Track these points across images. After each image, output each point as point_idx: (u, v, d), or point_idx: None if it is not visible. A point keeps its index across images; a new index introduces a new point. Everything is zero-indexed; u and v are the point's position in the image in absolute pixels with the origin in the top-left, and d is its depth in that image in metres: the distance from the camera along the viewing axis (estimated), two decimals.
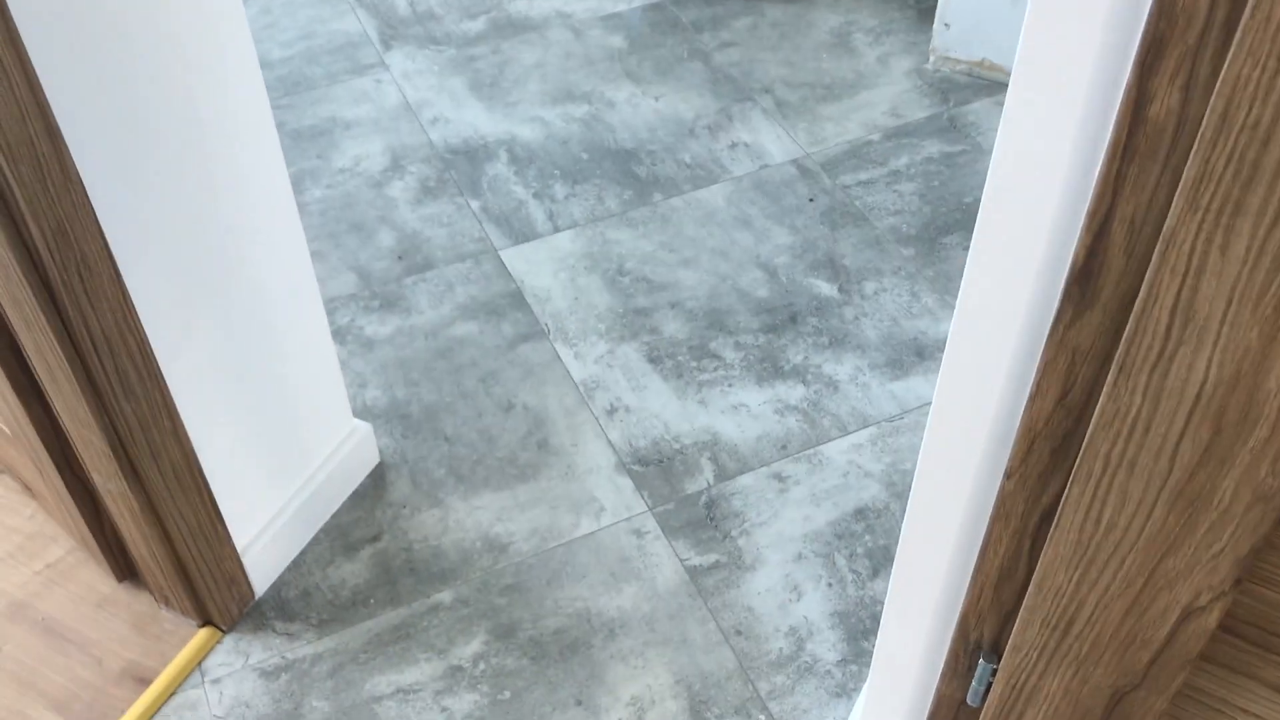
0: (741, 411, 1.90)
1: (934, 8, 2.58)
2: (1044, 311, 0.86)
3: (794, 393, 1.92)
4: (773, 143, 2.43)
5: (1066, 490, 0.92)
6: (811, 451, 1.83)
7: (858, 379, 1.94)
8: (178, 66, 1.21)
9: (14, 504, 1.80)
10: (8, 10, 0.97)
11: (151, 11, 1.15)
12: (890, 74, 2.60)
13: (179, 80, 1.22)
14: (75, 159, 1.09)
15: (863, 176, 2.34)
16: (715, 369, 1.97)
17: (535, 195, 2.32)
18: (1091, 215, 0.78)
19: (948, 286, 2.08)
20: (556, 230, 2.24)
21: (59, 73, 1.07)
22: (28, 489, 1.78)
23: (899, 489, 1.76)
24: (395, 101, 2.58)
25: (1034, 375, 0.90)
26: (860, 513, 1.74)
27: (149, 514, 1.42)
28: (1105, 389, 0.84)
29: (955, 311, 0.92)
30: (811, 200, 2.30)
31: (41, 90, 1.03)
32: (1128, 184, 0.76)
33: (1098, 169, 0.76)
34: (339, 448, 1.74)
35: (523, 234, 2.23)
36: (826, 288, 2.11)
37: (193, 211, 1.30)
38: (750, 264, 2.16)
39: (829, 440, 1.85)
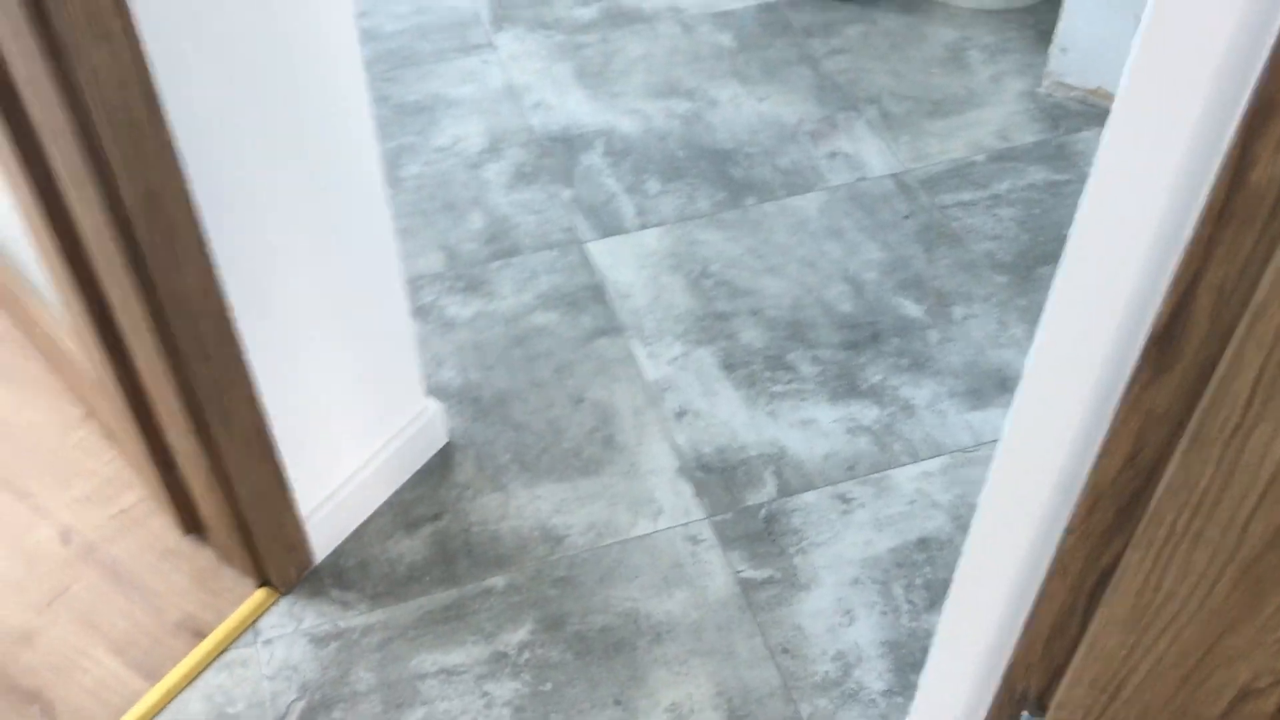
0: (811, 427, 1.87)
1: (1052, 30, 2.51)
2: (1120, 367, 0.83)
3: (868, 413, 1.89)
4: (873, 155, 2.39)
5: (1128, 553, 0.89)
6: (879, 475, 1.80)
7: (935, 405, 1.90)
8: (277, 41, 1.23)
9: (96, 447, 1.86)
10: None
11: None
12: (1001, 95, 2.54)
13: (277, 54, 1.23)
14: (171, 125, 1.12)
15: (962, 197, 2.29)
16: (789, 381, 1.94)
17: (628, 189, 2.32)
18: (1178, 277, 0.75)
19: (1039, 318, 2.03)
20: (645, 226, 2.24)
21: (162, 40, 1.09)
22: (110, 435, 1.84)
23: (965, 522, 1.72)
24: (499, 83, 2.60)
25: (1105, 432, 0.87)
26: (923, 543, 1.71)
27: (217, 474, 1.45)
28: (1176, 456, 0.81)
29: (1030, 354, 0.90)
30: (907, 217, 2.25)
31: (144, 58, 1.05)
32: (1220, 249, 0.73)
33: (1189, 230, 0.73)
34: (409, 425, 1.76)
35: (611, 227, 2.23)
36: (913, 308, 2.07)
37: (282, 184, 1.33)
38: (837, 277, 2.13)
39: (899, 465, 1.82)
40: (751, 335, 2.02)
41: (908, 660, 1.58)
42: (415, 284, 2.13)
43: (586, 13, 2.80)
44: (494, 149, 2.42)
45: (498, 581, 1.67)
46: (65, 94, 1.04)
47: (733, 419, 1.89)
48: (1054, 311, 0.86)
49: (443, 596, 1.66)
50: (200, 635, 1.61)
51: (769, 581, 1.67)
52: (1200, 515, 0.82)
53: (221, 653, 1.60)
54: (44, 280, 1.56)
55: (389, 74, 2.64)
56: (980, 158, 2.38)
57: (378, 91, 2.59)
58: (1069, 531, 0.95)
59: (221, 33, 1.16)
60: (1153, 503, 0.85)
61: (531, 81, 2.60)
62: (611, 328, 2.04)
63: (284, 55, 1.24)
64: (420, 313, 2.07)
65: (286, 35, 1.24)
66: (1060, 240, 2.19)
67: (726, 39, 2.72)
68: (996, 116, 2.48)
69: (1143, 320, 0.80)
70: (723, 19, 2.79)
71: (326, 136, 1.36)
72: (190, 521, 1.69)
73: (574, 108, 2.52)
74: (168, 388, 1.35)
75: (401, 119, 2.52)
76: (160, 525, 1.74)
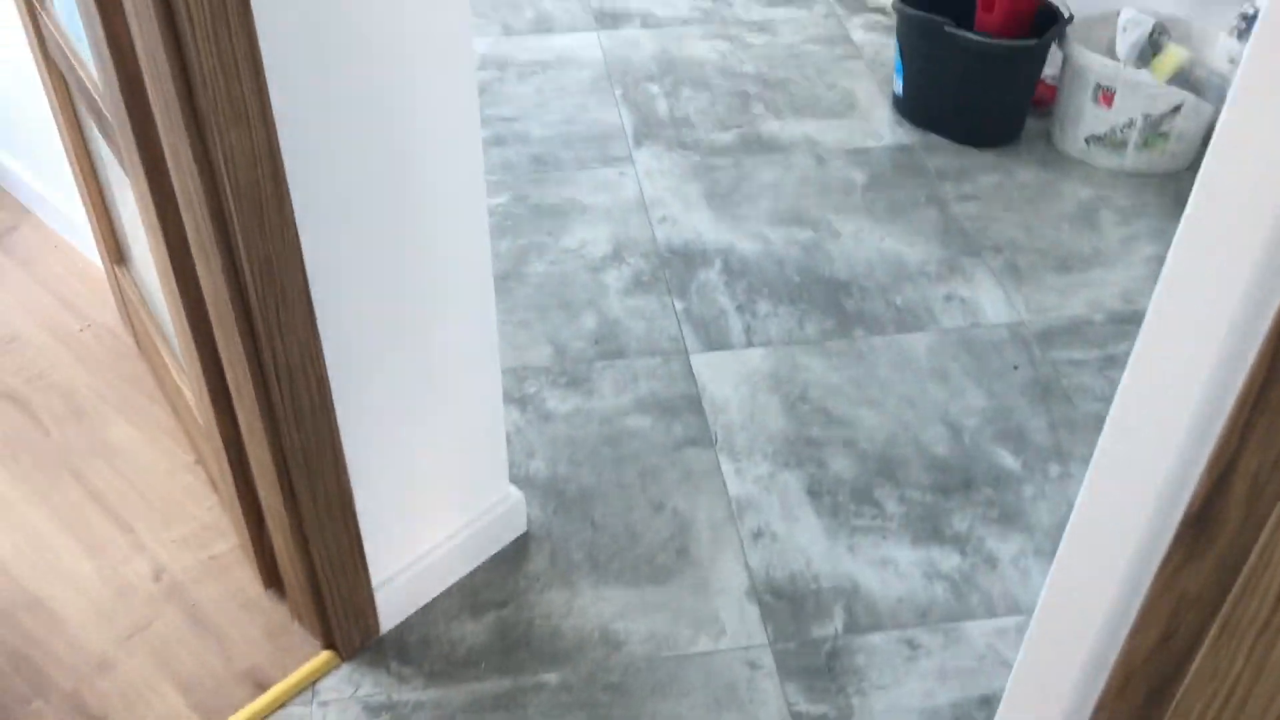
0: (889, 567, 1.85)
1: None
2: (1155, 547, 0.82)
3: (948, 560, 1.86)
4: (990, 303, 2.38)
5: None
6: (951, 625, 1.76)
7: (1019, 562, 1.86)
8: (403, 133, 1.32)
9: (200, 493, 1.96)
10: (261, 66, 1.09)
11: (393, 84, 1.27)
12: (1130, 258, 2.51)
13: (402, 146, 1.32)
14: (293, 202, 1.21)
15: (1076, 355, 2.26)
16: (873, 517, 1.93)
17: (739, 307, 2.36)
18: (1213, 462, 0.75)
19: None
20: (750, 345, 2.27)
21: (294, 126, 1.19)
22: (213, 483, 1.93)
23: None
24: (632, 195, 2.69)
25: (1137, 609, 0.85)
26: (986, 701, 1.66)
27: (297, 534, 1.52)
28: (1207, 643, 0.79)
29: (1069, 522, 0.89)
30: (1016, 368, 2.23)
31: (276, 140, 1.15)
32: (1255, 437, 0.72)
33: (1225, 416, 0.73)
34: (489, 510, 1.80)
35: (717, 342, 2.27)
36: (1010, 460, 2.03)
37: (392, 265, 1.41)
38: (936, 419, 2.11)
39: (973, 618, 1.77)
40: (841, 465, 2.02)
41: None
42: (521, 374, 2.20)
43: (725, 137, 2.89)
44: (617, 255, 2.50)
45: (551, 678, 1.68)
46: (202, 165, 1.14)
47: (810, 547, 1.88)
48: (1092, 486, 0.85)
49: (496, 685, 1.68)
50: (262, 688, 1.67)
51: (822, 719, 1.64)
52: (1229, 709, 0.79)
53: (279, 708, 1.65)
54: (174, 333, 1.67)
55: (531, 176, 2.76)
56: (1100, 317, 2.35)
57: (518, 191, 2.71)
58: (1099, 710, 0.93)
59: (350, 122, 1.25)
60: (1182, 689, 0.83)
61: (663, 196, 2.68)
62: (702, 439, 2.06)
63: (408, 146, 1.33)
64: (521, 402, 2.13)
65: (413, 127, 1.33)
66: None
67: (858, 175, 2.77)
68: (1122, 279, 2.45)
69: (1178, 502, 0.79)
70: (857, 155, 2.84)
71: (441, 225, 1.44)
72: (271, 576, 1.76)
73: (699, 225, 2.59)
74: (262, 446, 1.42)
75: (536, 219, 2.62)
76: (244, 576, 1.82)
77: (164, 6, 1.01)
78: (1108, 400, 2.14)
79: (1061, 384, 2.20)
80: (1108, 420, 0.81)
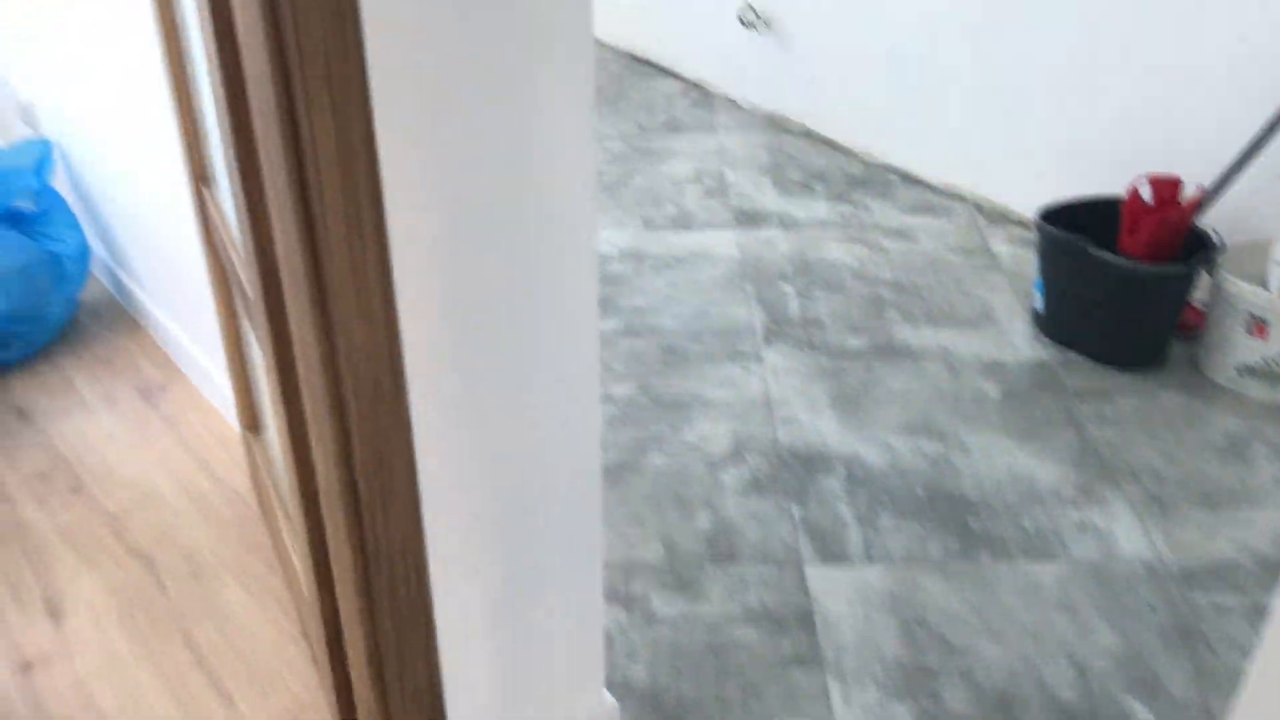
0: None
1: None
2: None
3: None
4: (1126, 535, 2.26)
5: None
6: None
7: None
8: (523, 339, 1.34)
9: (301, 667, 1.96)
10: (390, 272, 1.13)
11: (513, 286, 1.30)
12: None
13: (520, 351, 1.35)
14: (410, 401, 1.23)
15: (1220, 600, 2.11)
16: None
17: (859, 519, 2.29)
18: None
19: None
20: (869, 561, 2.19)
21: (418, 326, 1.23)
22: (314, 659, 1.93)
23: None
24: (756, 393, 2.68)
25: None
26: None
27: None
28: None
29: None
30: (1153, 609, 2.09)
31: (399, 339, 1.18)
32: None
33: None
34: (582, 716, 1.75)
35: (834, 555, 2.20)
36: (1141, 711, 1.89)
37: (500, 463, 1.42)
38: (1061, 657, 1.98)
39: None
40: (956, 700, 1.90)
41: None
42: (629, 570, 2.16)
43: (856, 342, 2.88)
44: (736, 454, 2.48)
45: None
46: (326, 360, 1.17)
47: None
48: None
49: None
50: None
51: None
52: None
53: None
54: (291, 508, 1.71)
55: (658, 368, 2.79)
56: (1248, 561, 2.20)
57: (643, 382, 2.73)
58: None
59: (471, 323, 1.28)
60: None
61: (788, 396, 2.67)
62: (811, 658, 1.98)
63: (524, 346, 1.36)
64: (626, 601, 2.09)
65: (531, 329, 1.35)
66: None
67: (992, 388, 2.71)
68: (1274, 520, 2.30)
69: None
70: (992, 369, 2.78)
71: (553, 425, 1.45)
72: None
73: (823, 429, 2.56)
74: (357, 630, 1.42)
75: (658, 410, 2.63)
76: None
77: (305, 216, 1.07)
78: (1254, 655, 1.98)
79: (1203, 630, 2.04)
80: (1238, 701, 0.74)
